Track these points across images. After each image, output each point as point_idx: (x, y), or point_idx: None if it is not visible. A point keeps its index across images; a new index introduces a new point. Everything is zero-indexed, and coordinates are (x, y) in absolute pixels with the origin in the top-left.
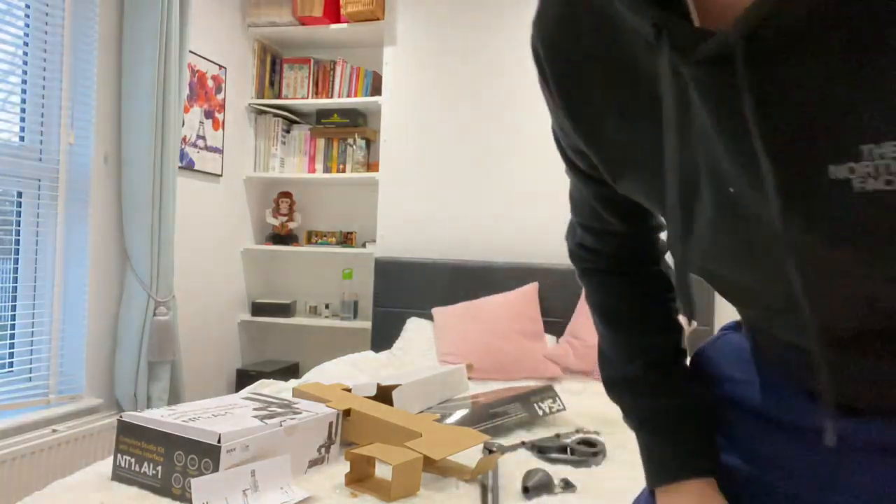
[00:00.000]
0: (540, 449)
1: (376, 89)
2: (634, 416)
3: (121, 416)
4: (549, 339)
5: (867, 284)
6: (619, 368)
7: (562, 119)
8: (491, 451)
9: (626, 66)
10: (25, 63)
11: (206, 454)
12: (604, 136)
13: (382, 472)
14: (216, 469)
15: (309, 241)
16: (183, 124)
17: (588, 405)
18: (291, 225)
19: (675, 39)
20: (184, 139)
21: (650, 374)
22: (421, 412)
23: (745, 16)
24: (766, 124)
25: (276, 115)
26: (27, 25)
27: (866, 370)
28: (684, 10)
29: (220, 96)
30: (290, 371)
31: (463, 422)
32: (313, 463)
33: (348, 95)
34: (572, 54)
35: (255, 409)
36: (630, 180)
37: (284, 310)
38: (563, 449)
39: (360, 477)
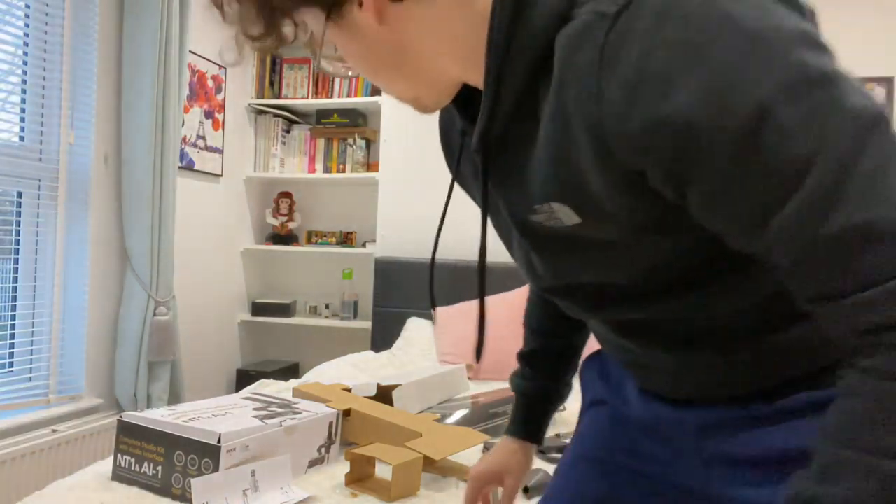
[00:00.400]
0: (540, 449)
1: (376, 89)
2: (516, 384)
3: (121, 416)
4: None
5: (587, 279)
6: (527, 345)
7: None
8: None
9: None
10: (25, 63)
11: (206, 454)
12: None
13: (382, 472)
14: (216, 469)
15: (309, 241)
16: (183, 124)
17: None
18: (291, 225)
19: (466, 141)
20: (184, 139)
21: (542, 361)
22: (421, 412)
23: (476, 132)
24: (496, 193)
25: (276, 115)
26: (27, 25)
27: (641, 357)
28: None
29: (220, 96)
30: (290, 371)
31: (463, 422)
32: (313, 463)
33: (348, 95)
34: (446, 137)
35: (255, 409)
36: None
37: (284, 310)
38: (562, 449)
39: (360, 477)
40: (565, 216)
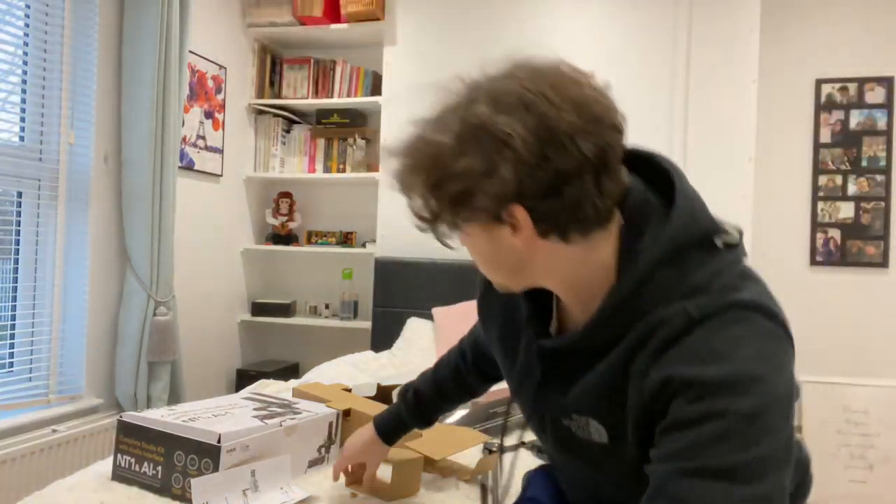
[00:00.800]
0: (540, 449)
1: (376, 89)
2: (409, 386)
3: (121, 416)
4: None
5: (592, 478)
6: (431, 373)
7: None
8: (491, 451)
9: (514, 325)
10: (25, 63)
11: (206, 454)
12: (493, 339)
13: (382, 472)
14: (216, 469)
15: (309, 241)
16: (183, 124)
17: None
18: (291, 225)
19: (535, 329)
20: (184, 139)
21: (438, 385)
22: None
23: (552, 341)
24: (542, 387)
25: (276, 115)
26: (27, 25)
27: None
28: (550, 313)
29: (220, 96)
30: (290, 371)
31: (463, 422)
32: (313, 463)
33: (348, 95)
34: (492, 301)
35: (255, 409)
36: (501, 362)
37: (284, 310)
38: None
39: (360, 477)
40: (597, 433)
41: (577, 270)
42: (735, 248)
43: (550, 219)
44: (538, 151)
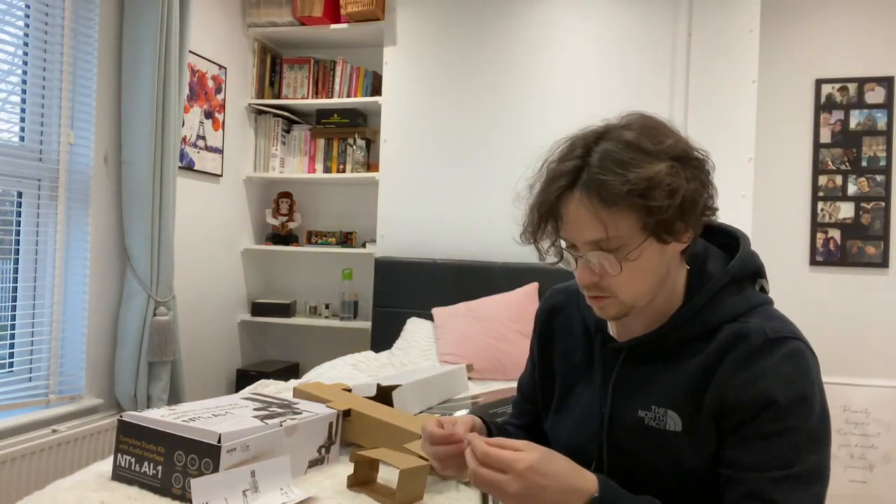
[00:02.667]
0: None
1: (376, 89)
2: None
3: (121, 416)
4: None
5: (648, 465)
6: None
7: (534, 349)
8: None
9: (571, 340)
10: (25, 63)
11: (206, 454)
12: (554, 358)
13: (385, 475)
14: (216, 469)
15: (309, 241)
16: (183, 124)
17: None
18: (291, 225)
19: (604, 336)
20: (184, 139)
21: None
22: (421, 412)
23: (627, 342)
24: (617, 385)
25: (276, 115)
26: (27, 25)
27: None
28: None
29: (220, 96)
30: (290, 371)
31: None
32: (313, 463)
33: (348, 95)
34: (554, 326)
35: (255, 409)
36: (561, 376)
37: (284, 310)
38: None
39: (362, 480)
40: (672, 422)
41: (669, 288)
42: (766, 293)
43: (694, 236)
44: (709, 176)
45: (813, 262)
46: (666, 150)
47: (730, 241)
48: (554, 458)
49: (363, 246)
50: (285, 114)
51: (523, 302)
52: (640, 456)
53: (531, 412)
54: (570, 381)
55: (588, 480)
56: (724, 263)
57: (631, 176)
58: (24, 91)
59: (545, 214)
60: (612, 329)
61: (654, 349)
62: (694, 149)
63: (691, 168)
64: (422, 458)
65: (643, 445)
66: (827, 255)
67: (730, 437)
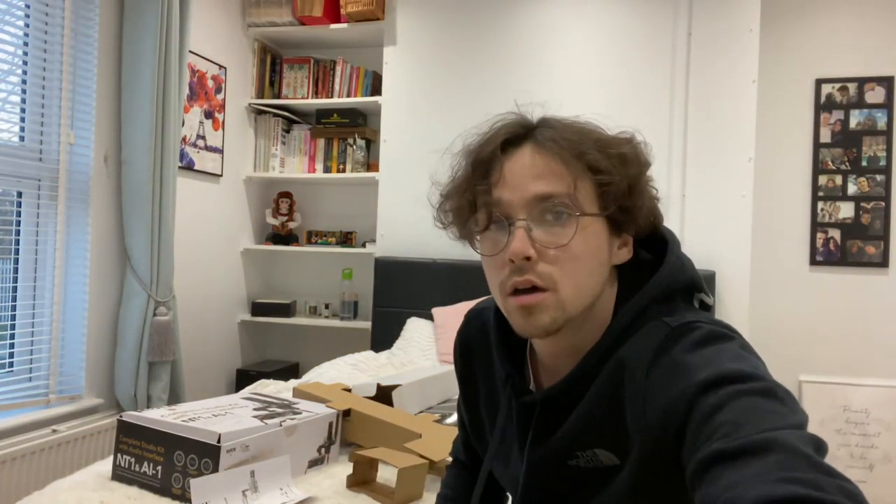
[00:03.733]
0: None
1: (376, 89)
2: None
3: (121, 416)
4: None
5: None
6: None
7: (461, 390)
8: None
9: (492, 384)
10: (25, 63)
11: (206, 454)
12: (475, 409)
13: (384, 474)
14: (216, 469)
15: (309, 241)
16: (183, 124)
17: None
18: (291, 225)
19: (515, 387)
20: (184, 139)
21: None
22: (420, 412)
23: (542, 391)
24: (534, 444)
25: (276, 115)
26: (27, 25)
27: None
28: (526, 374)
29: (220, 96)
30: (290, 371)
31: None
32: (313, 463)
33: (348, 95)
34: (473, 365)
35: (255, 409)
36: (476, 436)
37: (284, 310)
38: None
39: (362, 479)
40: (606, 458)
41: (596, 313)
42: (709, 309)
43: (632, 248)
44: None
45: (813, 262)
46: (620, 136)
47: (659, 245)
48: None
49: (363, 246)
50: (285, 114)
51: None
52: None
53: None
54: (495, 428)
55: None
56: (656, 273)
57: (593, 134)
58: (24, 91)
59: (480, 165)
60: (529, 376)
61: (571, 394)
62: (641, 146)
63: (644, 164)
64: (421, 457)
65: (593, 485)
66: (827, 255)
67: (687, 466)
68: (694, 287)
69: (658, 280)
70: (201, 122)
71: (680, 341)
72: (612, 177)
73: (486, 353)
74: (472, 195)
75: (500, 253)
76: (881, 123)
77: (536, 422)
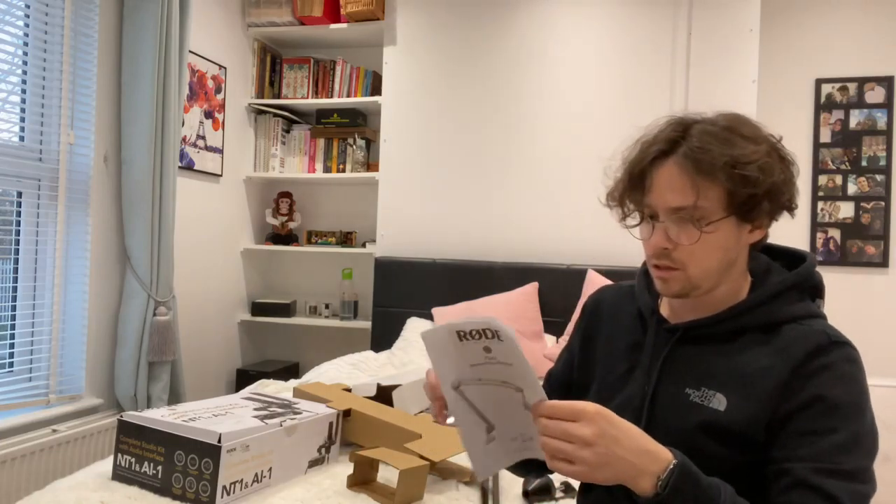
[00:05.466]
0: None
1: (376, 89)
2: None
3: (121, 416)
4: (549, 338)
5: (688, 443)
6: None
7: (575, 338)
8: None
9: (618, 328)
10: (25, 63)
11: (207, 454)
12: (589, 352)
13: (384, 475)
14: (216, 469)
15: (309, 241)
16: (183, 124)
17: None
18: (291, 225)
19: (659, 319)
20: (184, 139)
21: None
22: (420, 412)
23: (687, 321)
24: (666, 363)
25: (276, 115)
26: (27, 25)
27: None
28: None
29: (220, 96)
30: (290, 371)
31: None
32: (313, 463)
33: (348, 95)
34: (599, 311)
35: (255, 409)
36: (604, 360)
37: (284, 310)
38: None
39: (362, 480)
40: (718, 402)
41: (731, 283)
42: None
43: (766, 232)
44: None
45: None
46: (763, 138)
47: (795, 262)
48: (622, 417)
49: (363, 246)
50: (285, 114)
51: (523, 302)
52: (679, 434)
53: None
54: (612, 363)
55: (662, 448)
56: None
57: (729, 151)
58: (24, 91)
59: (636, 176)
60: (666, 314)
61: (710, 334)
62: (785, 149)
63: (784, 161)
64: (422, 457)
65: (684, 421)
66: (827, 255)
67: (780, 434)
68: (817, 292)
69: (804, 269)
70: (201, 122)
71: (834, 352)
72: (737, 191)
73: (617, 305)
74: (629, 197)
75: (648, 240)
76: (881, 123)
77: (672, 347)
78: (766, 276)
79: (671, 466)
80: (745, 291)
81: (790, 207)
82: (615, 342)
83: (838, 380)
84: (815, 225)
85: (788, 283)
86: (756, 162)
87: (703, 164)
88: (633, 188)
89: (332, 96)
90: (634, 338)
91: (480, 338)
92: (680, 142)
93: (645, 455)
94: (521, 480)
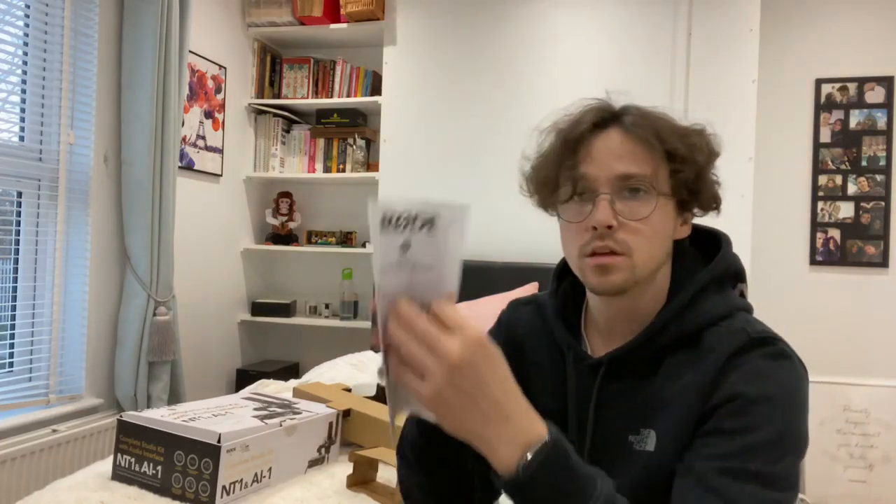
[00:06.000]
0: None
1: (376, 89)
2: None
3: (121, 416)
4: None
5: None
6: None
7: None
8: None
9: (543, 359)
10: (25, 63)
11: (206, 454)
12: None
13: (384, 474)
14: (216, 469)
15: (309, 241)
16: (183, 124)
17: None
18: (291, 225)
19: (576, 353)
20: (184, 139)
21: None
22: None
23: (606, 354)
24: (599, 407)
25: (276, 115)
26: (27, 25)
27: None
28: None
29: (219, 96)
30: (290, 371)
31: None
32: (313, 463)
33: (348, 95)
34: (518, 339)
35: (255, 409)
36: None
37: (284, 310)
38: None
39: (362, 479)
40: (650, 443)
41: (662, 281)
42: (745, 298)
43: (690, 227)
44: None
45: (813, 262)
46: (693, 126)
47: (710, 241)
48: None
49: (363, 246)
50: (285, 114)
51: None
52: (633, 490)
53: None
54: (541, 401)
55: (538, 417)
56: (703, 264)
57: (670, 124)
58: (24, 91)
59: (570, 143)
60: (586, 346)
61: (636, 362)
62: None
63: (712, 154)
64: None
65: (634, 476)
66: (827, 255)
67: (695, 441)
68: (739, 277)
69: (718, 263)
70: (201, 122)
71: (753, 350)
72: (685, 164)
73: (533, 333)
74: (559, 169)
75: (584, 220)
76: (881, 123)
77: (599, 386)
78: (682, 266)
79: (543, 442)
80: (664, 286)
81: (718, 202)
82: (538, 377)
83: (756, 376)
84: (815, 225)
85: (706, 279)
86: (698, 134)
87: (654, 129)
88: (565, 161)
89: (332, 96)
90: (555, 376)
91: (406, 227)
92: (619, 115)
93: (516, 417)
94: None
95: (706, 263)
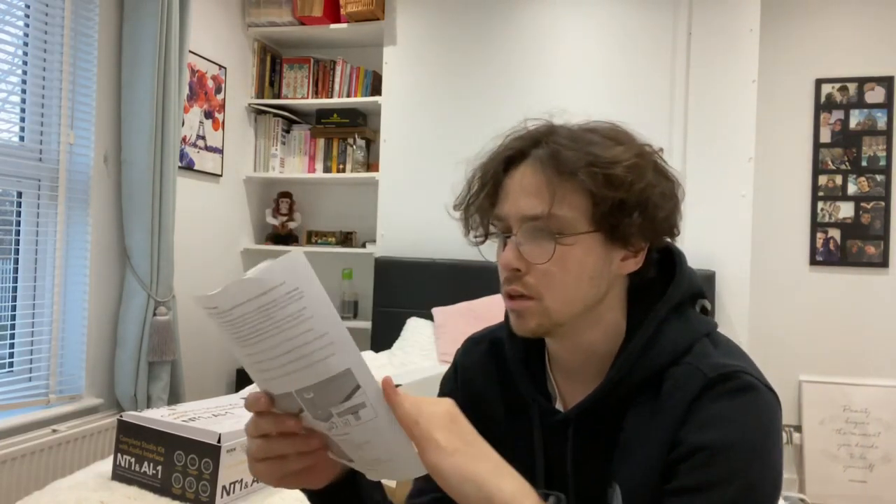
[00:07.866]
0: None
1: (376, 89)
2: None
3: (121, 416)
4: None
5: None
6: None
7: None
8: None
9: (510, 404)
10: (25, 63)
11: (207, 454)
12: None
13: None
14: (216, 469)
15: (309, 241)
16: (183, 124)
17: None
18: (291, 225)
19: (542, 408)
20: (184, 139)
21: None
22: None
23: (573, 408)
24: (577, 466)
25: (276, 115)
26: (27, 25)
27: None
28: (550, 392)
29: (220, 96)
30: None
31: None
32: None
33: (348, 95)
34: (479, 382)
35: None
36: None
37: None
38: None
39: None
40: (617, 499)
41: (608, 322)
42: (708, 313)
43: (646, 260)
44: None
45: (813, 262)
46: (635, 146)
47: (665, 257)
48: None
49: (363, 246)
50: (285, 114)
51: None
52: None
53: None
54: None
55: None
56: (661, 287)
57: (592, 150)
58: (24, 91)
59: (486, 182)
60: (552, 384)
61: (604, 410)
62: (667, 165)
63: (661, 176)
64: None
65: None
66: (827, 255)
67: (663, 500)
68: (698, 295)
69: (675, 291)
70: (201, 122)
71: (712, 390)
72: (601, 196)
73: (488, 381)
74: (475, 208)
75: (499, 257)
76: (881, 123)
77: (573, 443)
78: (641, 294)
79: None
80: (622, 323)
81: (671, 232)
82: (495, 430)
83: (718, 421)
84: (815, 225)
85: (664, 311)
86: (622, 163)
87: (560, 166)
88: (479, 195)
89: (332, 96)
90: (518, 430)
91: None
92: (538, 143)
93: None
94: None
95: (663, 285)
